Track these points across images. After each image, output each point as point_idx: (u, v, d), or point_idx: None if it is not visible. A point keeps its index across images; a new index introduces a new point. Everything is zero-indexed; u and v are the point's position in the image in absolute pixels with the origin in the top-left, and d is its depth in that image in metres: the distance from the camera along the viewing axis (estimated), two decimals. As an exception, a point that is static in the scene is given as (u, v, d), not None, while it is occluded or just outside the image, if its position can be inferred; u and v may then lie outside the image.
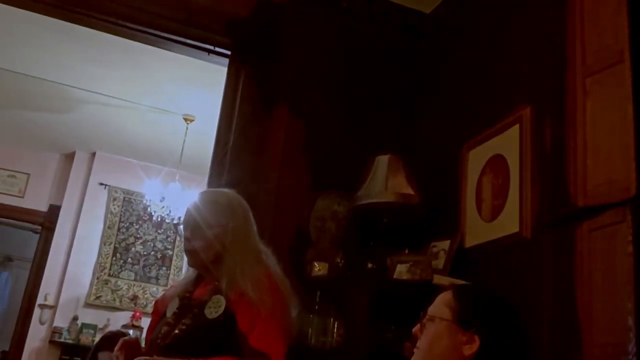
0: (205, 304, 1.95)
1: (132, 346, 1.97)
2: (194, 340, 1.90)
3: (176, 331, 1.92)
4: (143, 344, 2.12)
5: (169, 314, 2.01)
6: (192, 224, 2.05)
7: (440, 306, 1.51)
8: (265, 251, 2.08)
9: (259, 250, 2.07)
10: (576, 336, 1.90)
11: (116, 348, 1.95)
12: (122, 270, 7.15)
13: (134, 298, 7.06)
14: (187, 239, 2.05)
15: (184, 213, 2.13)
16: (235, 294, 1.93)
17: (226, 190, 2.22)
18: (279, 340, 1.90)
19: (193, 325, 1.92)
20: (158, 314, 2.11)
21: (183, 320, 1.94)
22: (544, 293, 2.13)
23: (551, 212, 2.18)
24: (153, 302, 2.23)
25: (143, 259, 7.26)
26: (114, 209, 7.29)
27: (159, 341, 1.93)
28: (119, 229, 7.26)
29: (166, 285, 7.00)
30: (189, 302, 2.01)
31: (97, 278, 7.02)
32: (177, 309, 1.99)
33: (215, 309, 1.92)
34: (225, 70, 3.28)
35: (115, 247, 7.19)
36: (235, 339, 1.89)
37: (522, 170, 2.45)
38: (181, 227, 2.12)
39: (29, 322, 6.77)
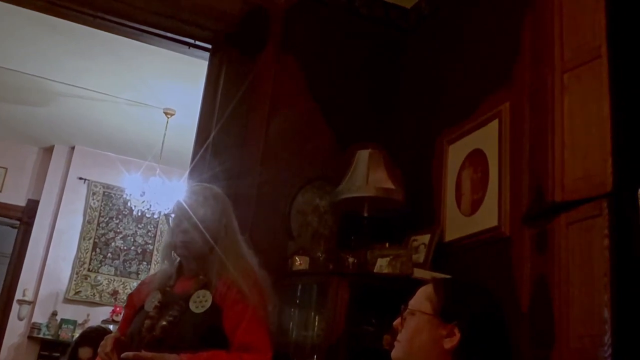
0: (190, 297, 1.96)
1: (123, 344, 1.96)
2: (182, 331, 1.90)
3: (163, 323, 1.91)
4: None
5: (149, 307, 1.99)
6: (190, 216, 2.05)
7: (421, 299, 1.52)
8: (248, 252, 2.11)
9: (244, 249, 2.11)
10: (554, 328, 1.93)
11: (107, 347, 1.93)
12: (102, 265, 7.10)
13: (114, 293, 7.02)
14: (185, 231, 2.05)
15: (178, 205, 2.12)
16: (223, 285, 1.96)
17: (214, 187, 2.24)
18: (266, 334, 1.94)
19: (179, 317, 1.92)
20: (133, 308, 2.10)
21: (170, 312, 1.94)
22: (522, 286, 2.16)
23: (529, 206, 2.21)
24: (128, 296, 2.24)
25: (123, 253, 7.21)
26: (94, 203, 7.23)
27: (143, 334, 1.93)
28: (98, 224, 7.20)
29: (147, 280, 6.95)
30: (171, 295, 2.01)
31: (77, 273, 6.96)
32: (159, 302, 1.98)
33: (201, 303, 1.94)
34: (206, 64, 3.26)
35: (95, 242, 7.13)
36: (221, 333, 1.91)
37: (501, 164, 2.48)
38: (172, 217, 2.11)
39: (8, 318, 6.70)
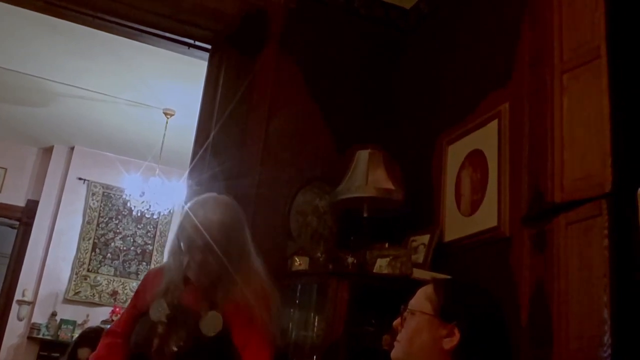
0: (199, 318, 1.94)
1: None
2: (194, 356, 1.89)
3: (174, 348, 1.89)
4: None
5: (154, 317, 1.95)
6: (208, 243, 1.96)
7: (421, 299, 1.52)
8: (257, 260, 2.09)
9: (256, 262, 2.08)
10: (553, 328, 1.93)
11: None
12: (101, 266, 7.10)
13: (114, 293, 7.01)
14: (201, 251, 1.96)
15: (191, 223, 1.98)
16: (233, 304, 1.95)
17: (228, 198, 2.12)
18: (268, 353, 1.95)
19: (191, 342, 1.91)
20: (138, 309, 2.07)
21: (179, 334, 1.92)
22: (522, 286, 2.15)
23: (529, 206, 2.21)
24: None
25: (123, 254, 7.21)
26: (93, 203, 7.23)
27: (152, 356, 1.90)
28: (98, 224, 7.20)
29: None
30: (179, 311, 1.97)
31: (76, 273, 6.96)
32: (167, 317, 1.94)
33: (212, 326, 1.92)
34: (205, 64, 3.26)
35: (94, 242, 7.13)
36: (232, 354, 1.92)
37: (501, 165, 2.48)
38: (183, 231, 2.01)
39: (7, 318, 6.70)
